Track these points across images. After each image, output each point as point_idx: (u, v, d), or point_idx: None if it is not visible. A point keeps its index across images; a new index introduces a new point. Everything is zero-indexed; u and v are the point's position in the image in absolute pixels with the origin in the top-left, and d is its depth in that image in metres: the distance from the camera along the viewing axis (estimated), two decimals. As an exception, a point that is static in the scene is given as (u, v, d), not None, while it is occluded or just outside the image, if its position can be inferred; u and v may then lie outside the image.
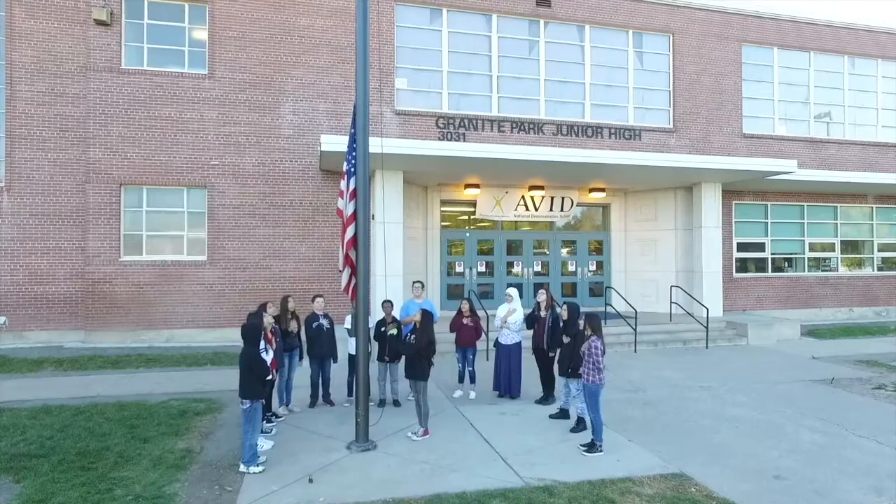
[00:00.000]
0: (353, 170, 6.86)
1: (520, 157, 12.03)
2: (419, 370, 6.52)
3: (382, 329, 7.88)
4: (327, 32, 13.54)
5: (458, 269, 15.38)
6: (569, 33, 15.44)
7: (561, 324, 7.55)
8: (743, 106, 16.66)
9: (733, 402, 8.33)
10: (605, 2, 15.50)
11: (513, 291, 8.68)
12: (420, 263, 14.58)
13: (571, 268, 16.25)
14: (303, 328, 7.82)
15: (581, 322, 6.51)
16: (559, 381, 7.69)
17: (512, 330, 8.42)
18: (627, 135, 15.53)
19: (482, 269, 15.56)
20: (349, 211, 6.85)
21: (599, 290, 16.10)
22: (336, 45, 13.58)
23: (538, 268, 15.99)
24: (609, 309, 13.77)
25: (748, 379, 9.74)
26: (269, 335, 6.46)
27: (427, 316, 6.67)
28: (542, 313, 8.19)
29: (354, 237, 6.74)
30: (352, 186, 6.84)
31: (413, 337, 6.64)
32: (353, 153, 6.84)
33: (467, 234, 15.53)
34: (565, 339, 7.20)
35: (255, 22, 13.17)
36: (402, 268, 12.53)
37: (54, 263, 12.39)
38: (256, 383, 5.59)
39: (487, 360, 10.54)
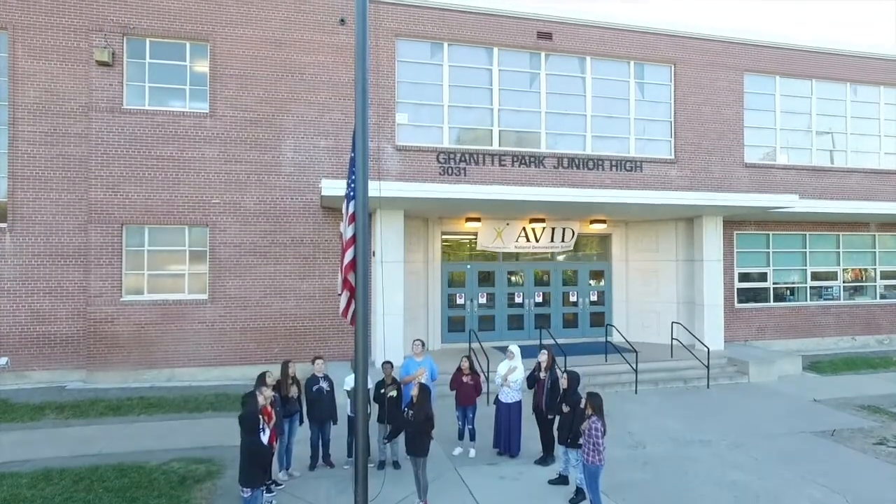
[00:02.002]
0: (352, 193, 6.71)
1: (519, 198, 12.02)
2: (419, 446, 6.53)
3: (382, 391, 7.90)
4: (328, 69, 13.56)
5: (459, 300, 15.39)
6: (570, 65, 15.43)
7: (560, 390, 7.55)
8: (745, 135, 16.63)
9: (733, 462, 8.31)
10: (606, 33, 15.49)
11: (514, 349, 8.69)
12: (421, 296, 14.61)
13: (573, 298, 16.24)
14: (303, 393, 7.82)
15: (583, 399, 6.51)
16: (559, 446, 7.68)
17: (513, 388, 8.43)
18: (629, 166, 15.51)
19: (483, 300, 15.57)
20: (348, 234, 6.75)
21: (600, 320, 16.10)
22: (337, 82, 13.60)
23: (539, 299, 16.00)
24: (610, 343, 13.71)
25: (748, 431, 9.71)
26: (268, 409, 6.46)
27: (424, 391, 6.68)
28: (542, 374, 8.20)
29: (353, 260, 6.55)
30: (350, 210, 6.73)
31: (411, 413, 6.64)
32: (353, 176, 6.67)
33: (468, 266, 15.53)
34: (565, 409, 7.20)
35: (256, 60, 13.20)
36: (402, 306, 12.55)
37: (56, 303, 12.44)
38: (258, 471, 5.61)
39: (488, 404, 10.52)
